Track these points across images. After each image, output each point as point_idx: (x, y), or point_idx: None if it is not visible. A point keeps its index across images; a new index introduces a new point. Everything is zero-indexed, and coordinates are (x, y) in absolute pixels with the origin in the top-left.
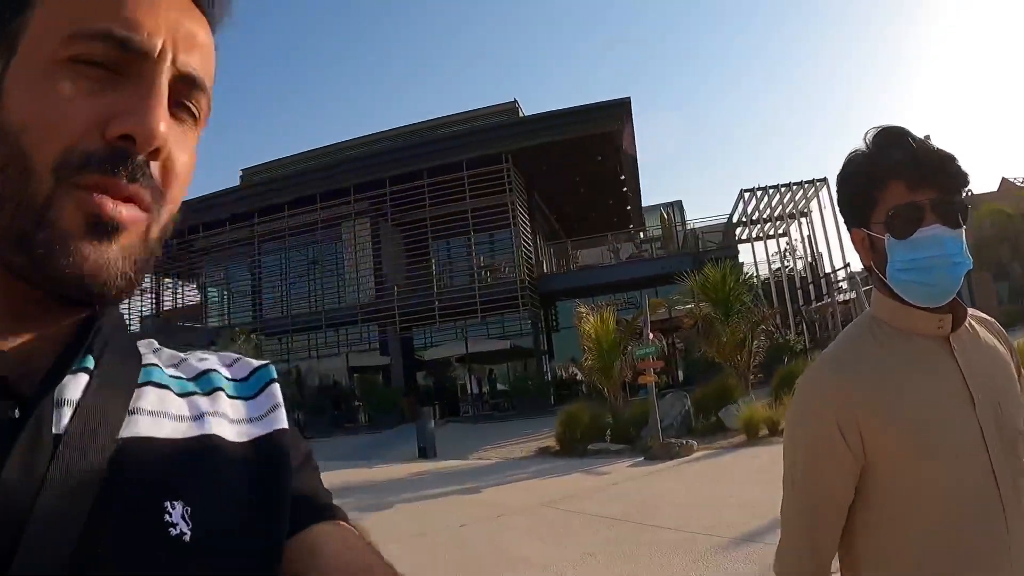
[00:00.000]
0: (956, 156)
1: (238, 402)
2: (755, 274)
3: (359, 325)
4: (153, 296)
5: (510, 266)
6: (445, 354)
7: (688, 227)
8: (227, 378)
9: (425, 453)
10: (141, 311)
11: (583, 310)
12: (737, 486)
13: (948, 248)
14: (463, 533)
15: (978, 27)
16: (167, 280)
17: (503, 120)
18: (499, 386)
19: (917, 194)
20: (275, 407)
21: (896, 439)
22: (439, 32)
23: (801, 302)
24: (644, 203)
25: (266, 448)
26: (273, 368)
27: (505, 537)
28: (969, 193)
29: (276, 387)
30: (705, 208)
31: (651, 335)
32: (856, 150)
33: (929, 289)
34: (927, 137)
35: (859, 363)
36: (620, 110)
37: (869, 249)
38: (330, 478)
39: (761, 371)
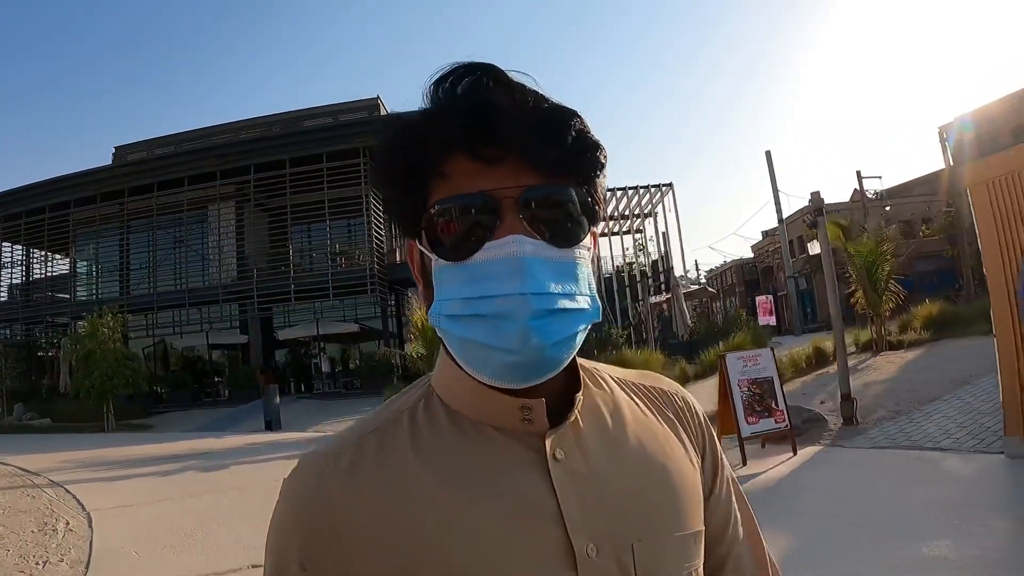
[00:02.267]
0: (577, 113)
1: None
2: (596, 269)
3: (221, 304)
4: (24, 267)
5: (363, 253)
6: (300, 334)
7: None
8: None
9: (270, 426)
10: (11, 280)
11: (415, 302)
12: None
13: (536, 282)
14: (271, 488)
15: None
16: (38, 252)
17: (362, 117)
18: (350, 365)
19: (487, 178)
20: None
21: None
22: (312, 24)
23: (640, 297)
24: None
25: None
26: None
27: None
28: (602, 185)
29: None
30: None
31: None
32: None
33: (501, 356)
34: (532, 89)
35: (364, 474)
36: None
37: (421, 274)
38: (180, 446)
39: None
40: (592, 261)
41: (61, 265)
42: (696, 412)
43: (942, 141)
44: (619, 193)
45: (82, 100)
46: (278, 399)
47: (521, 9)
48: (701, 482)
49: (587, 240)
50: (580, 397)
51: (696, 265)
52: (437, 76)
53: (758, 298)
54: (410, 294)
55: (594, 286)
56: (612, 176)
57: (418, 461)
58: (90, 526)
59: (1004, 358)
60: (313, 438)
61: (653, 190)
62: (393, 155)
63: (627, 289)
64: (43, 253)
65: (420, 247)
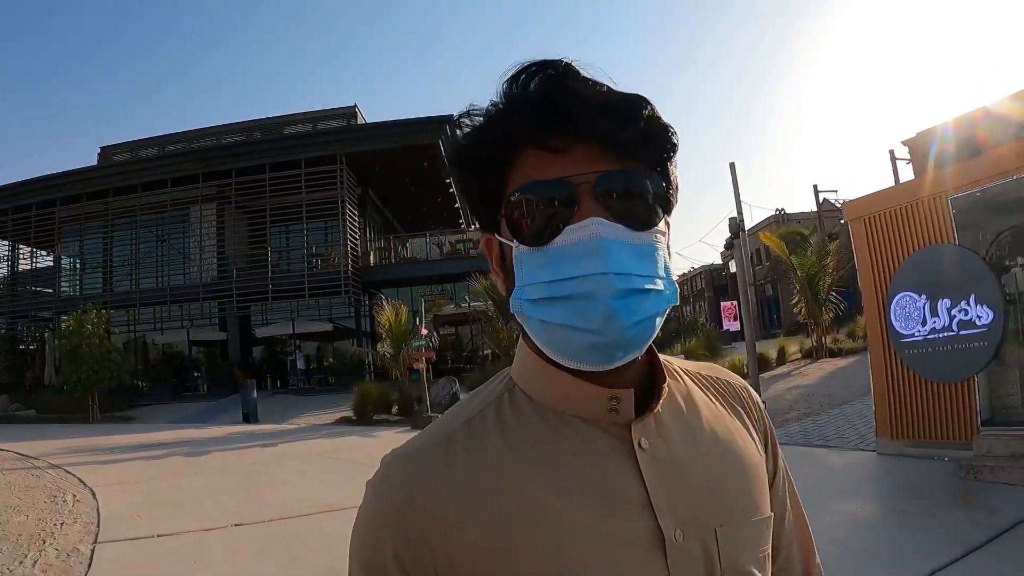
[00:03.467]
0: (647, 98)
1: None
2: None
3: (201, 302)
4: (9, 263)
5: (339, 255)
6: (277, 332)
7: None
8: None
9: (248, 419)
10: None
11: (384, 304)
12: None
13: (617, 261)
14: (251, 468)
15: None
16: (24, 248)
17: (339, 126)
18: (324, 363)
19: (563, 165)
20: None
21: None
22: (296, 34)
23: None
24: None
25: None
26: None
27: (280, 471)
28: (674, 173)
29: None
30: None
31: (424, 331)
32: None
33: (583, 337)
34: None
35: (456, 463)
36: (442, 125)
37: (500, 267)
38: (164, 435)
39: None
40: (667, 247)
41: (46, 260)
42: (759, 404)
43: (893, 160)
44: None
45: (68, 100)
46: (255, 393)
47: (500, 25)
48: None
49: (662, 225)
50: (666, 387)
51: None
52: (510, 74)
53: (723, 303)
54: (383, 296)
55: (671, 271)
56: None
57: (508, 450)
58: (94, 498)
59: (875, 370)
60: (288, 429)
61: None
62: (470, 151)
63: None
64: (29, 249)
65: (499, 238)
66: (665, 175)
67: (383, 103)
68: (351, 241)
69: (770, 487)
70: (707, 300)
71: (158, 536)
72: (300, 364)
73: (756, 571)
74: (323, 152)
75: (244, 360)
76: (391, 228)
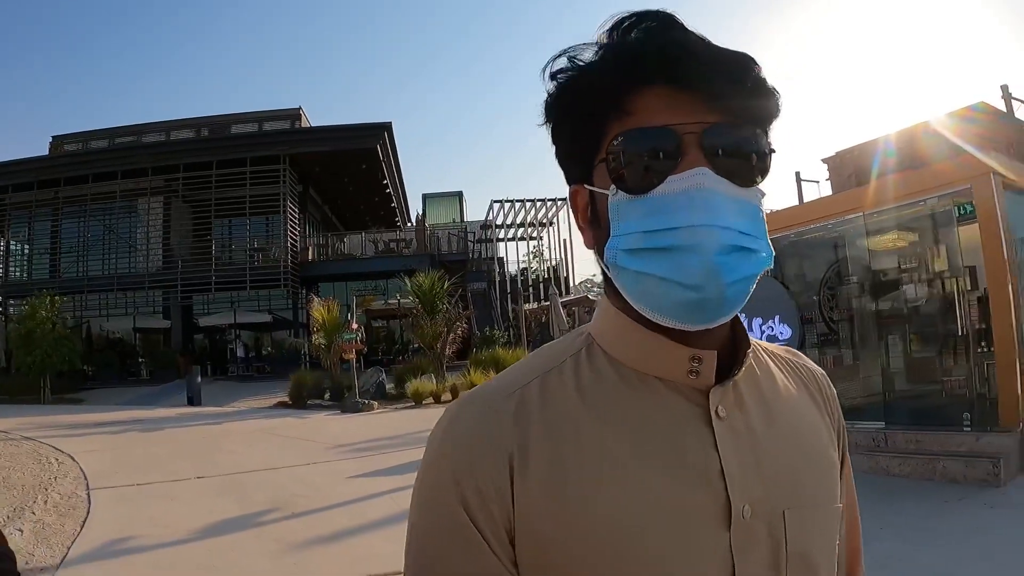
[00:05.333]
0: (757, 61)
1: None
2: (499, 271)
3: (146, 290)
4: None
5: (279, 250)
6: (219, 322)
7: (462, 224)
8: None
9: (192, 402)
10: None
11: (316, 299)
12: (369, 427)
13: (722, 215)
14: (201, 441)
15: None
16: None
17: (284, 127)
18: (262, 352)
19: (670, 115)
20: None
21: (579, 564)
22: (242, 32)
23: (533, 301)
24: (432, 191)
25: None
26: None
27: (227, 443)
28: (769, 133)
29: None
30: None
31: (354, 325)
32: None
33: (680, 292)
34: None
35: (532, 415)
36: (380, 131)
37: (589, 220)
38: (118, 415)
39: (460, 356)
40: (757, 199)
41: None
42: (834, 396)
43: (798, 180)
44: (517, 205)
45: (16, 88)
46: (199, 379)
47: (448, 26)
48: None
49: (763, 185)
50: (750, 355)
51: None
52: (614, 21)
53: None
54: (314, 294)
55: (767, 233)
56: (515, 189)
57: (583, 406)
58: (74, 461)
59: None
60: (231, 411)
61: (550, 203)
62: (571, 94)
63: (508, 295)
64: None
65: (591, 188)
66: (767, 135)
67: (328, 103)
68: (291, 237)
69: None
70: None
71: (138, 485)
72: (240, 353)
73: (823, 563)
74: (268, 152)
75: (186, 347)
76: (330, 225)
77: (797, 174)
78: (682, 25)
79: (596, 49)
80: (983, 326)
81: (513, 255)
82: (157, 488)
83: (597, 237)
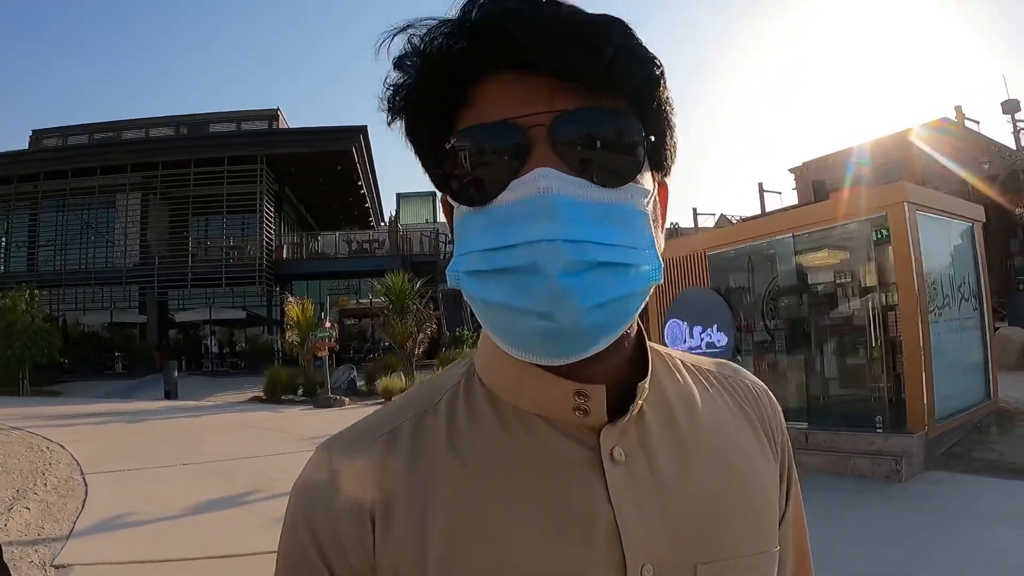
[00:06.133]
0: (620, 19)
1: None
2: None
3: (123, 285)
4: None
5: (255, 247)
6: (194, 317)
7: (434, 224)
8: None
9: (169, 395)
10: None
11: (291, 298)
12: (342, 422)
13: (570, 225)
14: (182, 432)
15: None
16: None
17: (262, 128)
18: (236, 348)
19: (515, 103)
20: None
21: None
22: (222, 31)
23: None
24: (408, 191)
25: None
26: None
27: (207, 434)
28: (666, 112)
29: None
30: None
31: (328, 324)
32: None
33: (529, 322)
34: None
35: (398, 464)
36: (356, 134)
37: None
38: (98, 407)
39: (431, 355)
40: (655, 210)
41: None
42: (779, 416)
43: (760, 191)
44: None
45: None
46: (176, 373)
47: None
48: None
49: (645, 181)
50: (645, 386)
51: None
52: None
53: None
54: (288, 293)
55: (656, 240)
56: None
57: (453, 456)
58: (64, 449)
59: None
60: (208, 405)
61: None
62: (407, 92)
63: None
64: None
65: (448, 200)
66: (648, 117)
67: (306, 102)
68: (267, 235)
69: (780, 520)
70: None
71: (128, 470)
72: (214, 348)
73: None
74: (246, 152)
75: (161, 342)
76: (304, 224)
77: (760, 185)
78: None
79: (437, 26)
80: (896, 338)
81: None
82: (146, 473)
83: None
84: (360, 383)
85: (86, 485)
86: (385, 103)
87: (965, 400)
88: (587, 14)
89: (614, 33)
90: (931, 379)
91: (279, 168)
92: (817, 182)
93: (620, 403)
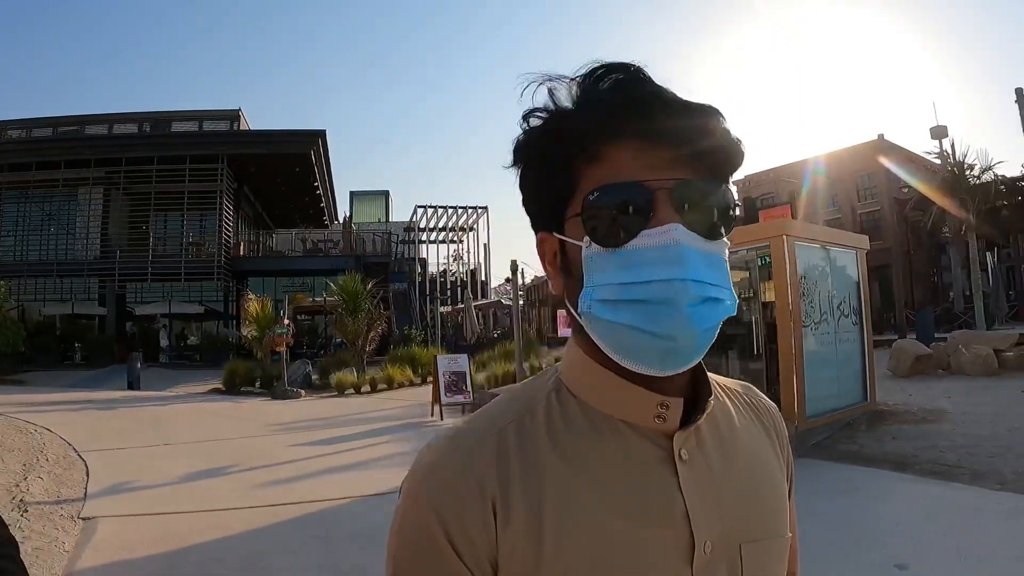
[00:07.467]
0: (721, 112)
1: None
2: (420, 271)
3: (84, 278)
4: None
5: (213, 244)
6: (153, 311)
7: (387, 224)
8: None
9: (132, 386)
10: None
11: (251, 295)
12: (300, 412)
13: (693, 268)
14: (154, 419)
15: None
16: None
17: (223, 128)
18: (193, 341)
19: (641, 168)
20: None
21: None
22: (188, 30)
23: (450, 304)
24: (361, 188)
25: None
26: None
27: (178, 420)
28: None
29: None
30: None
31: (286, 320)
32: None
33: (654, 342)
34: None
35: (510, 459)
36: (315, 137)
37: (559, 267)
38: (69, 396)
39: (381, 352)
40: (723, 252)
41: None
42: (783, 428)
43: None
44: (440, 210)
45: None
46: (139, 365)
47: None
48: None
49: (726, 238)
50: (712, 401)
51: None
52: (584, 72)
53: (559, 312)
54: (249, 289)
55: (731, 282)
56: (437, 195)
57: (554, 453)
58: (51, 431)
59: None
60: (171, 396)
61: (471, 211)
62: (542, 146)
63: (427, 296)
64: None
65: (560, 237)
66: (732, 191)
67: (266, 101)
68: (225, 232)
69: None
70: (550, 307)
71: (117, 448)
72: (172, 342)
73: None
74: (207, 151)
75: (122, 335)
76: (261, 221)
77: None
78: (650, 78)
79: (569, 93)
80: (774, 346)
81: (434, 256)
82: (135, 451)
83: (568, 285)
84: (315, 377)
85: (84, 461)
86: (515, 154)
87: (839, 401)
88: (695, 103)
89: (719, 121)
90: (802, 382)
91: (239, 167)
92: (748, 199)
93: (685, 412)
